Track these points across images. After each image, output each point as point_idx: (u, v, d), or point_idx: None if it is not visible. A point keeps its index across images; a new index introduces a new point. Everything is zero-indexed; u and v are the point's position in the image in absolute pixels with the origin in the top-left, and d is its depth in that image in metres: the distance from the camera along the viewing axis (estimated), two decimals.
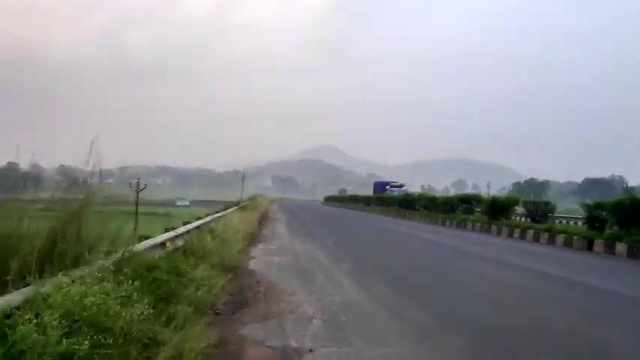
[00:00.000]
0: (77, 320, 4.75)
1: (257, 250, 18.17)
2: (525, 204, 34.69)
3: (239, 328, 7.93)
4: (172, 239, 12.13)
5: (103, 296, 5.18)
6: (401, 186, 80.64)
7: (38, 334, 4.26)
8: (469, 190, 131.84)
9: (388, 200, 64.74)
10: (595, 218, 24.36)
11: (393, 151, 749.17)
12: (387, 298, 10.58)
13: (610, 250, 21.08)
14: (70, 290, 5.03)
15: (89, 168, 7.38)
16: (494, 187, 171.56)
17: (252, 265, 14.62)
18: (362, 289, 11.38)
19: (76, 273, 5.77)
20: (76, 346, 4.36)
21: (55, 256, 6.08)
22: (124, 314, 5.20)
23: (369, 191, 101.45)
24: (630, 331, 8.84)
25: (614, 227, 23.07)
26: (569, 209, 50.75)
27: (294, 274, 13.23)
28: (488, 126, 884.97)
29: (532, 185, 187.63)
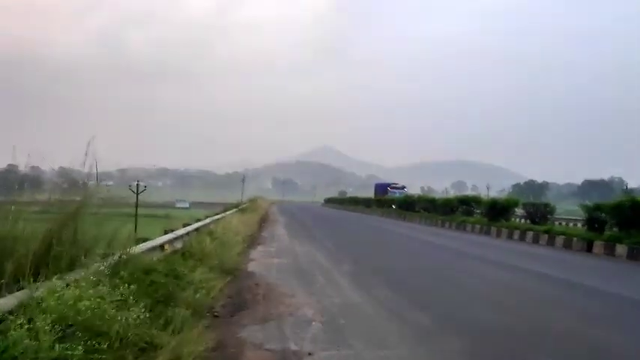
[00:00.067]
0: (71, 325, 4.68)
1: (256, 252, 18.10)
2: (525, 205, 34.63)
3: (238, 330, 7.86)
4: (171, 241, 12.08)
5: (98, 300, 5.10)
6: (402, 188, 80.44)
7: (30, 340, 4.19)
8: (468, 192, 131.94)
9: (388, 202, 64.68)
10: (594, 220, 24.28)
11: (392, 153, 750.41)
12: (387, 299, 10.52)
13: (610, 251, 21.00)
14: (64, 294, 4.96)
15: (86, 170, 7.30)
16: (494, 189, 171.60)
17: (252, 267, 14.56)
18: (362, 291, 11.32)
19: (71, 276, 5.71)
20: (69, 352, 4.28)
21: (50, 259, 6.02)
22: (119, 318, 5.13)
23: (369, 193, 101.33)
24: (631, 332, 8.77)
25: (614, 229, 23.00)
26: (569, 211, 50.73)
27: (294, 276, 13.16)
28: (488, 127, 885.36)
29: (531, 187, 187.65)
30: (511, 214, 35.01)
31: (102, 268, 6.29)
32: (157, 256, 10.17)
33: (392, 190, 77.98)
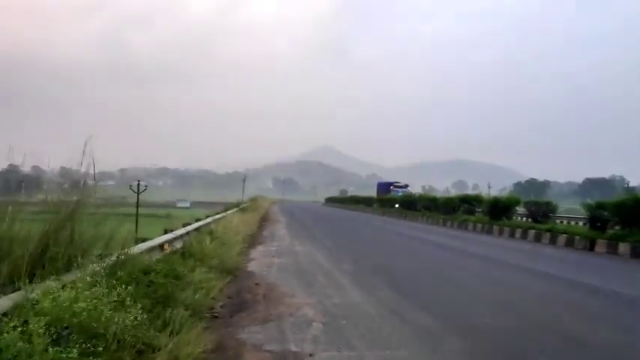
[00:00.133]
0: (67, 327, 4.58)
1: (257, 252, 18.03)
2: (527, 204, 34.48)
3: (237, 331, 7.77)
4: (171, 241, 12.00)
5: (95, 301, 5.01)
6: (405, 186, 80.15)
7: (24, 343, 4.10)
8: (470, 191, 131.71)
9: (391, 201, 64.49)
10: (597, 218, 24.16)
11: (393, 152, 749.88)
12: (388, 299, 10.43)
13: (613, 250, 20.90)
14: (59, 296, 4.86)
15: (83, 169, 7.21)
16: (495, 188, 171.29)
17: (252, 267, 14.47)
18: (362, 291, 11.23)
19: (67, 277, 5.62)
20: (64, 355, 4.19)
21: (46, 260, 5.93)
22: (116, 320, 5.03)
23: (369, 192, 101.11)
24: (635, 332, 8.70)
25: (616, 227, 22.91)
26: (570, 209, 50.57)
27: (294, 276, 13.07)
28: (489, 127, 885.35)
29: (533, 185, 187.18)
30: (513, 213, 34.87)
31: (99, 268, 6.18)
32: (156, 256, 10.09)
33: (395, 189, 77.63)
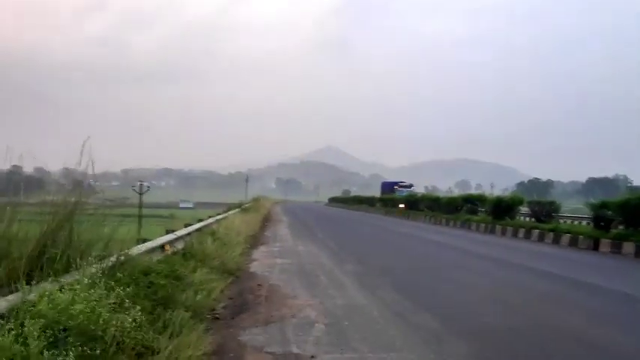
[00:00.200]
0: (65, 329, 4.50)
1: (259, 253, 17.95)
2: (530, 204, 34.33)
3: (238, 333, 7.69)
4: (172, 242, 11.92)
5: (93, 303, 4.92)
6: (410, 186, 79.41)
7: (19, 346, 4.02)
8: (472, 191, 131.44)
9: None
10: (601, 218, 24.02)
11: (395, 152, 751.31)
12: (392, 300, 10.34)
13: (617, 249, 20.78)
14: (56, 297, 4.79)
15: (82, 169, 7.13)
16: (498, 188, 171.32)
17: (254, 267, 14.40)
18: (366, 292, 11.15)
19: (66, 279, 5.54)
20: (60, 358, 4.10)
21: (44, 261, 5.85)
22: (114, 322, 4.94)
23: (372, 192, 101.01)
24: (638, 332, 8.62)
25: (620, 227, 22.79)
26: (574, 209, 50.42)
27: (297, 277, 12.99)
28: (491, 126, 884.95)
29: (536, 185, 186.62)
30: (516, 213, 34.73)
31: (97, 270, 6.09)
32: (157, 257, 10.01)
33: (399, 189, 77.01)
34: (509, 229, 30.26)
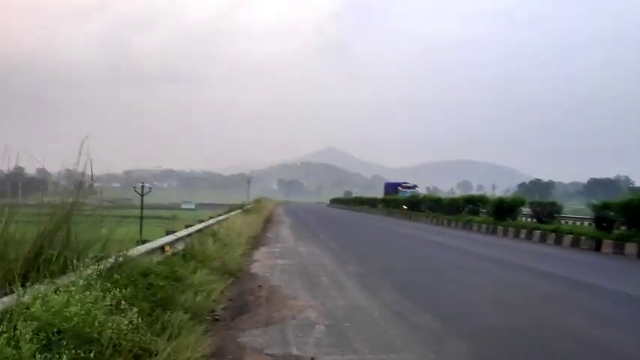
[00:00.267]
0: (59, 332, 4.43)
1: (260, 254, 17.89)
2: (531, 205, 34.29)
3: (238, 335, 7.63)
4: (172, 243, 11.87)
5: (89, 305, 4.86)
6: (414, 187, 78.92)
7: (11, 349, 3.95)
8: (474, 192, 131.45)
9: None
10: (603, 218, 23.94)
11: (397, 153, 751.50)
12: (393, 301, 10.28)
13: (619, 250, 20.70)
14: (51, 300, 4.72)
15: (82, 170, 7.07)
16: (499, 189, 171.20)
17: (255, 268, 14.34)
18: (367, 293, 11.09)
19: (62, 280, 5.47)
20: None
21: (41, 262, 5.80)
22: (110, 324, 4.88)
23: (374, 193, 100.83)
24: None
25: (622, 227, 22.73)
26: (575, 209, 50.36)
27: (298, 278, 12.93)
28: (492, 127, 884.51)
29: (537, 186, 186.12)
30: (517, 214, 34.68)
31: (92, 271, 6.03)
32: (156, 258, 9.96)
33: (403, 189, 76.45)
34: (511, 229, 30.20)
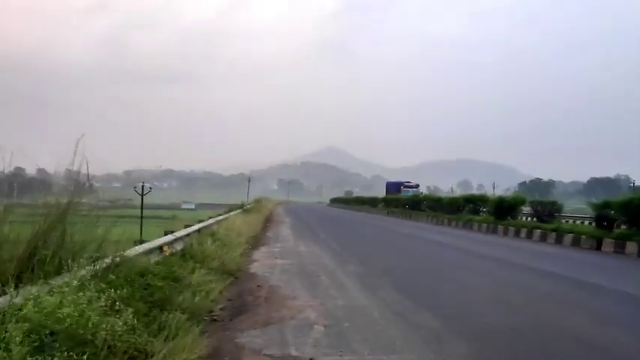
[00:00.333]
0: (52, 334, 4.35)
1: (260, 253, 17.82)
2: (532, 204, 34.25)
3: (236, 335, 7.55)
4: (171, 243, 11.80)
5: (83, 306, 4.78)
6: (416, 186, 78.27)
7: (1, 351, 3.87)
8: (474, 191, 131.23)
9: (395, 201, 64.20)
10: (603, 217, 23.89)
11: (397, 153, 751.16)
12: (393, 301, 10.21)
13: (620, 249, 20.63)
14: (43, 301, 4.63)
15: (81, 170, 6.99)
16: (499, 188, 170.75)
17: (254, 268, 14.27)
18: (367, 293, 11.02)
19: (56, 281, 5.39)
20: None
21: (35, 263, 5.72)
22: (104, 325, 4.79)
23: (374, 193, 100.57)
24: None
25: (623, 226, 22.68)
26: (576, 209, 50.28)
27: (297, 278, 12.86)
28: (492, 126, 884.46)
29: (537, 185, 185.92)
30: (518, 213, 34.63)
31: (87, 272, 5.94)
32: (155, 258, 9.89)
33: (405, 189, 75.79)
34: (511, 229, 30.14)
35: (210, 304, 9.07)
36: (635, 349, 7.56)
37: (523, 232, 28.72)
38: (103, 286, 5.58)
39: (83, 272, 5.75)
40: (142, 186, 52.78)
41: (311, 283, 12.13)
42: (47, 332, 4.31)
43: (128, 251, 7.90)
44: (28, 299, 4.66)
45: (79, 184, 7.57)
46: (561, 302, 10.81)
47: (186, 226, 14.88)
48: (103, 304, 5.15)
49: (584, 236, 23.39)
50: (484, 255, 19.43)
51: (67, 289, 4.99)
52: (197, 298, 8.39)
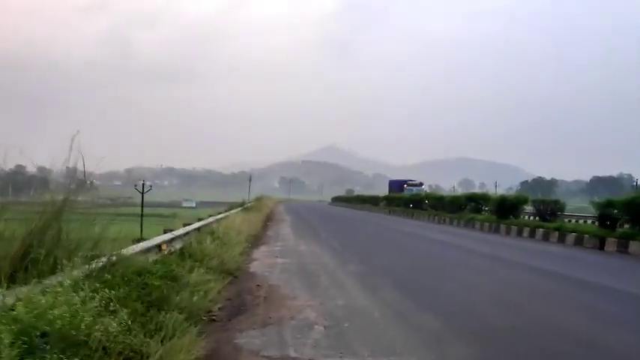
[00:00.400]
0: (44, 335, 4.22)
1: (260, 252, 17.71)
2: (534, 203, 34.12)
3: (234, 336, 7.45)
4: (169, 241, 11.67)
5: (77, 306, 4.65)
6: (420, 185, 77.48)
7: None
8: (476, 190, 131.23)
9: (396, 200, 64.08)
10: (606, 216, 23.78)
11: (399, 151, 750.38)
12: (394, 301, 10.11)
13: (623, 248, 20.51)
14: (38, 301, 4.50)
15: (71, 165, 6.87)
16: (501, 187, 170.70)
17: (254, 267, 14.16)
18: (367, 292, 10.91)
19: (50, 281, 5.26)
20: None
21: (29, 262, 5.59)
22: (97, 326, 4.66)
23: (376, 191, 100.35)
24: None
25: (626, 226, 22.56)
26: (578, 208, 50.22)
27: (297, 277, 12.76)
28: (495, 125, 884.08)
29: (540, 184, 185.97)
30: (520, 212, 34.49)
31: (83, 271, 5.81)
32: (153, 257, 9.76)
33: (409, 187, 75.03)
34: (514, 228, 30.03)
35: (209, 303, 8.95)
36: (637, 350, 7.48)
37: (525, 231, 28.60)
38: (98, 285, 5.44)
39: (78, 271, 5.61)
40: (143, 184, 52.84)
41: (311, 282, 12.02)
42: (38, 334, 4.18)
43: (125, 250, 7.77)
44: (22, 299, 4.52)
45: (76, 181, 7.45)
46: (564, 302, 10.72)
47: (185, 225, 14.75)
48: (97, 304, 5.03)
49: (587, 235, 23.27)
50: (486, 254, 19.35)
51: (60, 289, 4.86)
52: (195, 298, 8.27)
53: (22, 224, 6.13)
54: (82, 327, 4.51)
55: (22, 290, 4.82)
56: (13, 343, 3.87)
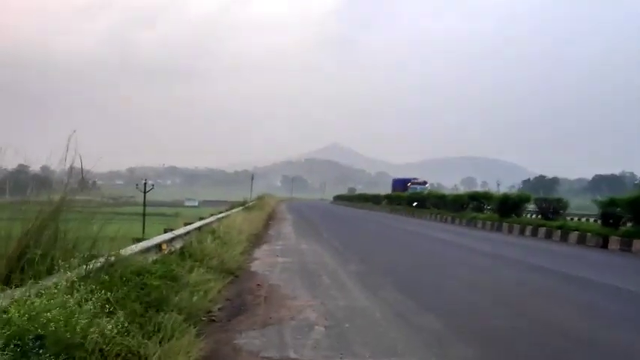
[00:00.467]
0: (38, 338, 4.15)
1: (261, 252, 17.64)
2: (537, 201, 34.07)
3: (234, 336, 7.37)
4: (169, 241, 11.61)
5: (72, 308, 4.58)
6: (424, 183, 76.67)
7: None
8: (478, 188, 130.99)
9: (398, 199, 63.97)
10: (609, 215, 23.73)
11: (401, 150, 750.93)
12: (395, 301, 10.02)
13: (626, 247, 20.45)
14: (32, 303, 4.43)
15: (67, 165, 6.79)
16: (503, 185, 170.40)
17: (255, 267, 14.09)
18: (368, 293, 10.82)
19: (47, 282, 5.19)
20: None
21: (26, 262, 5.53)
22: (92, 329, 4.59)
23: (378, 190, 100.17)
24: None
25: (629, 224, 22.48)
26: (581, 206, 50.06)
27: (298, 277, 12.68)
28: (497, 124, 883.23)
29: (542, 182, 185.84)
30: (522, 210, 34.46)
31: (78, 271, 5.74)
32: (152, 257, 9.69)
33: (413, 185, 74.12)
34: (516, 226, 29.98)
35: (209, 304, 8.88)
36: (639, 349, 7.42)
37: (528, 230, 28.54)
38: (95, 286, 5.36)
39: (74, 272, 5.53)
40: (145, 183, 52.80)
41: (312, 282, 11.95)
42: (32, 337, 4.11)
43: (125, 250, 7.71)
44: (16, 301, 4.45)
45: (75, 180, 7.38)
46: (566, 301, 10.68)
47: (186, 224, 14.69)
48: (93, 306, 4.95)
49: (589, 234, 23.23)
50: (488, 253, 19.30)
51: (55, 290, 4.79)
52: (195, 298, 8.20)
53: (19, 224, 6.07)
54: (78, 329, 4.44)
55: (17, 292, 4.75)
56: (5, 346, 3.80)
